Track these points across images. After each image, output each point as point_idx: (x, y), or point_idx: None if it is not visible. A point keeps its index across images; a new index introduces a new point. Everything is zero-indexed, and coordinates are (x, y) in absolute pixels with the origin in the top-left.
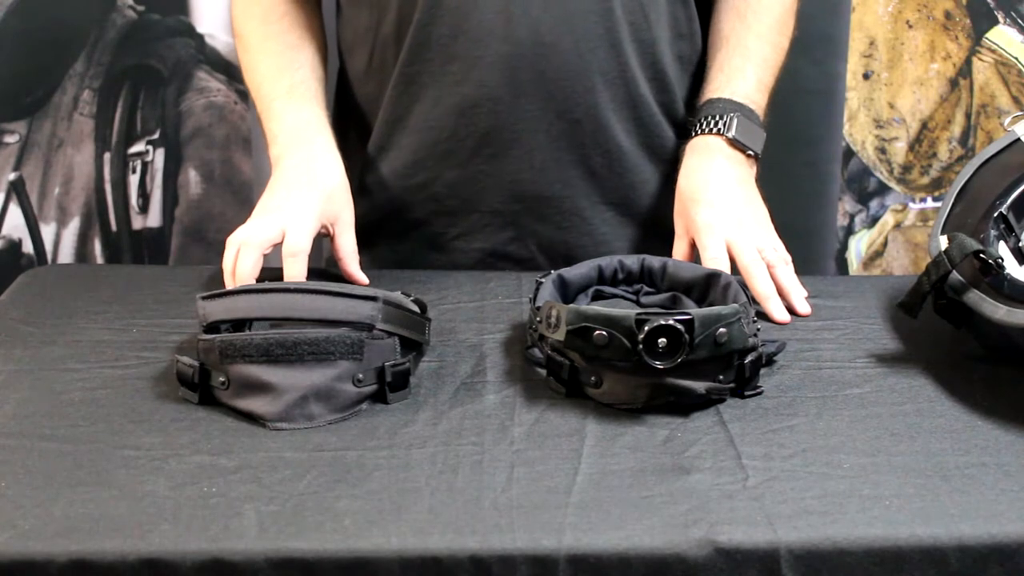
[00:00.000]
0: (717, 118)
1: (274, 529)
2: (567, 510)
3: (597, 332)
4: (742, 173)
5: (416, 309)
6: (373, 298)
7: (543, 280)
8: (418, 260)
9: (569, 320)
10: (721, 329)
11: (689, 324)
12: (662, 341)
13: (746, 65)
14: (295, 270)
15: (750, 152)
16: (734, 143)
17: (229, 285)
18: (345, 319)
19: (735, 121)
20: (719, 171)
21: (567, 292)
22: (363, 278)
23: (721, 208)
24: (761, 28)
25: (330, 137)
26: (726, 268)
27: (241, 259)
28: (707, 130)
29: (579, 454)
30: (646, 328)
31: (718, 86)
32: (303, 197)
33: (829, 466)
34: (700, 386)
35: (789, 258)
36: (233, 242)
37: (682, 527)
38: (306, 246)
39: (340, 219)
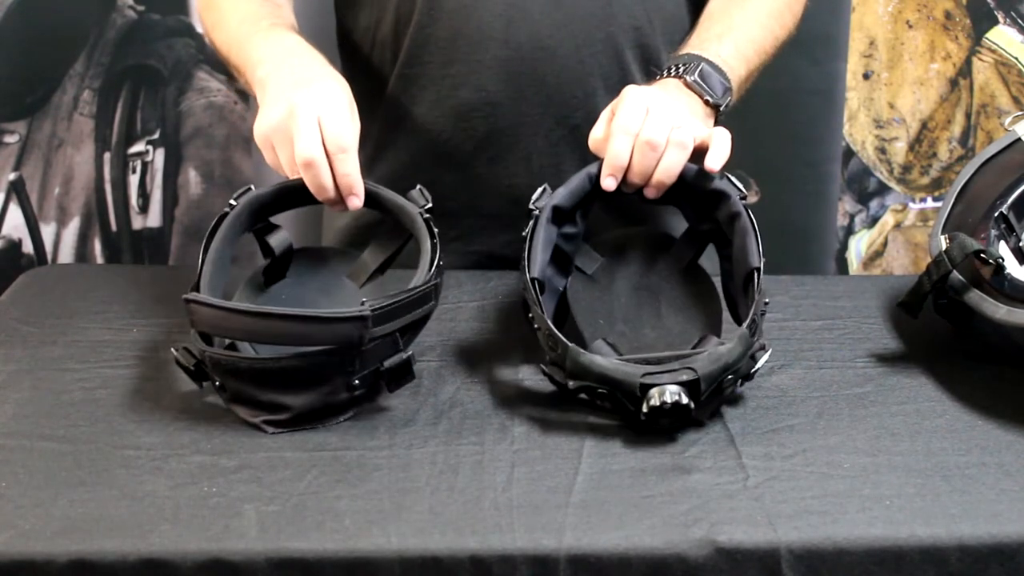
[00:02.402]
0: (679, 65)
1: (274, 529)
2: (567, 510)
3: (600, 390)
4: (694, 105)
5: (424, 233)
6: (359, 317)
7: (537, 212)
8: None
9: (572, 371)
10: (729, 376)
11: (695, 386)
12: (666, 404)
13: (725, 33)
14: (350, 167)
15: (708, 99)
16: (691, 85)
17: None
18: (333, 342)
19: (699, 68)
20: (668, 88)
21: (562, 218)
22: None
23: (656, 89)
24: (748, 8)
25: (321, 58)
26: (632, 130)
27: (338, 169)
28: (665, 75)
29: (579, 454)
30: (651, 403)
31: (689, 44)
32: (323, 85)
33: (829, 466)
34: (704, 415)
35: (689, 143)
36: (292, 159)
37: (682, 527)
38: (354, 139)
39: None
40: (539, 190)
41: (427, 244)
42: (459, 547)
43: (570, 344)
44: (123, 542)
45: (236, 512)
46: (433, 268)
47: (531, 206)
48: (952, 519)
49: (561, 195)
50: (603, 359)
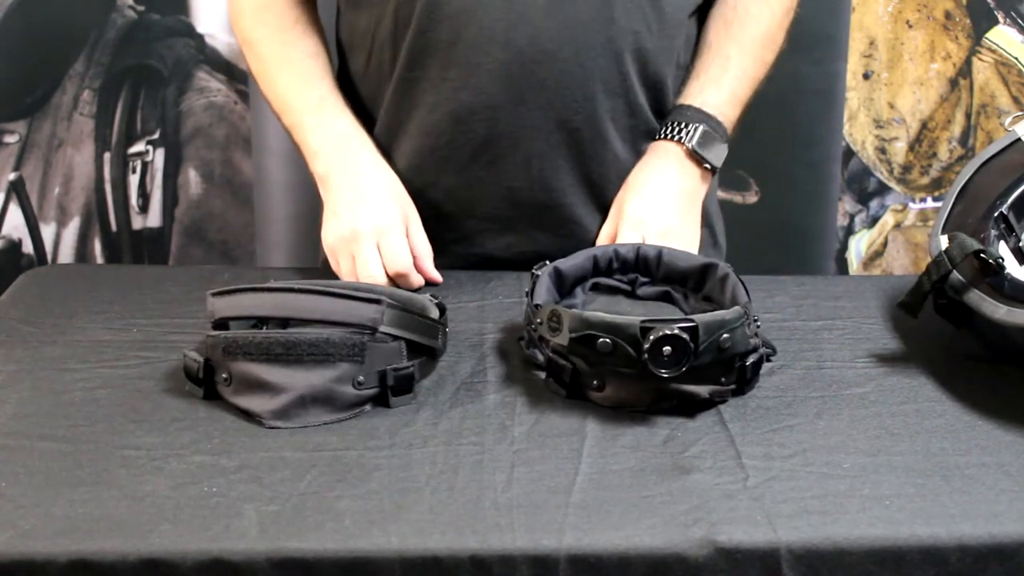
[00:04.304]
0: (681, 126)
1: (274, 529)
2: (567, 510)
3: (601, 340)
4: (691, 186)
5: (433, 314)
6: (377, 300)
7: (539, 273)
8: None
9: (573, 327)
10: (725, 335)
11: (694, 332)
12: (667, 349)
13: (723, 76)
14: (412, 281)
15: (707, 165)
16: (692, 154)
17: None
18: (347, 320)
19: (699, 131)
20: (669, 176)
21: (563, 284)
22: (438, 276)
23: (655, 209)
24: (745, 39)
25: (373, 148)
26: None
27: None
28: (669, 136)
29: (579, 454)
30: (651, 337)
31: (690, 93)
32: (377, 203)
33: (829, 466)
34: (703, 390)
35: None
36: (355, 258)
37: (682, 527)
38: (408, 258)
39: (410, 218)
40: (539, 264)
41: (433, 305)
42: (459, 547)
43: (572, 309)
44: (123, 542)
45: (236, 512)
46: (442, 316)
47: (533, 271)
48: (952, 519)
49: (562, 261)
50: (604, 312)
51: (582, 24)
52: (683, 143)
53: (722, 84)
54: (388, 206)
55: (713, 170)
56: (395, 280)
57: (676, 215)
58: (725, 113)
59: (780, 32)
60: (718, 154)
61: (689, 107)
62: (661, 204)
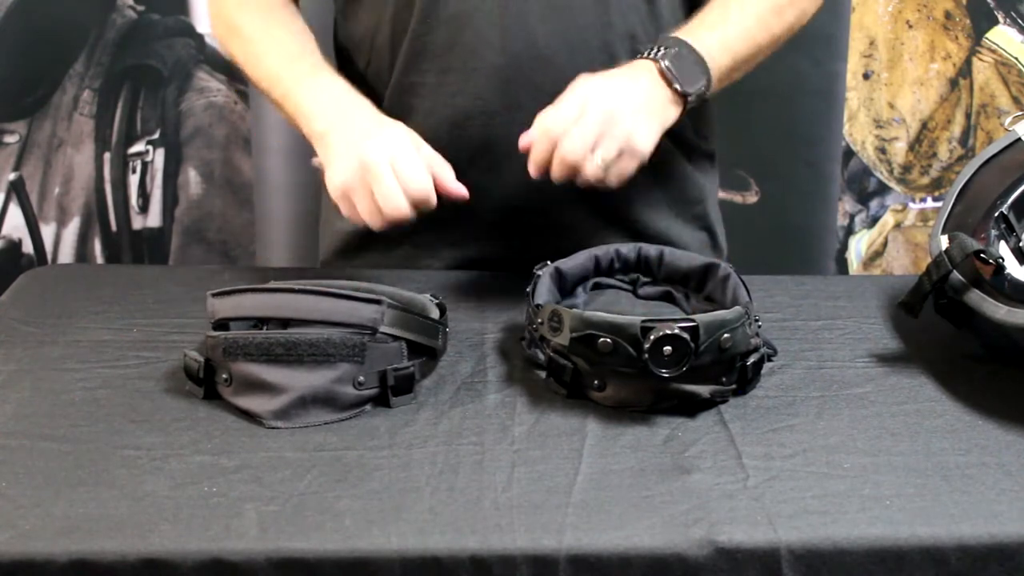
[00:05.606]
0: (656, 48)
1: (274, 529)
2: (567, 510)
3: (602, 339)
4: (657, 97)
5: (434, 314)
6: (377, 301)
7: (540, 272)
8: (410, 265)
9: (573, 326)
10: (725, 335)
11: (694, 331)
12: (667, 349)
13: (717, 24)
14: (432, 205)
15: (677, 87)
16: (663, 72)
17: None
18: (347, 321)
19: (672, 52)
20: (633, 78)
21: (564, 284)
22: (462, 191)
23: (604, 91)
24: (751, 2)
25: (373, 107)
26: (553, 133)
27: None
28: (644, 56)
29: (580, 454)
30: (652, 337)
31: (679, 31)
32: (382, 132)
33: (829, 466)
34: (704, 390)
35: (610, 158)
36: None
37: (682, 527)
38: (428, 180)
39: (419, 139)
40: (540, 264)
41: (433, 305)
42: (459, 547)
43: (573, 309)
44: (123, 542)
45: (236, 512)
46: (443, 316)
47: (534, 270)
48: (952, 519)
49: (563, 261)
50: (604, 312)
51: (578, 28)
52: (657, 60)
53: (715, 30)
54: (394, 131)
55: (684, 97)
56: (416, 205)
57: (629, 104)
58: (711, 54)
59: (790, 8)
60: (691, 80)
61: (672, 37)
62: (613, 90)
